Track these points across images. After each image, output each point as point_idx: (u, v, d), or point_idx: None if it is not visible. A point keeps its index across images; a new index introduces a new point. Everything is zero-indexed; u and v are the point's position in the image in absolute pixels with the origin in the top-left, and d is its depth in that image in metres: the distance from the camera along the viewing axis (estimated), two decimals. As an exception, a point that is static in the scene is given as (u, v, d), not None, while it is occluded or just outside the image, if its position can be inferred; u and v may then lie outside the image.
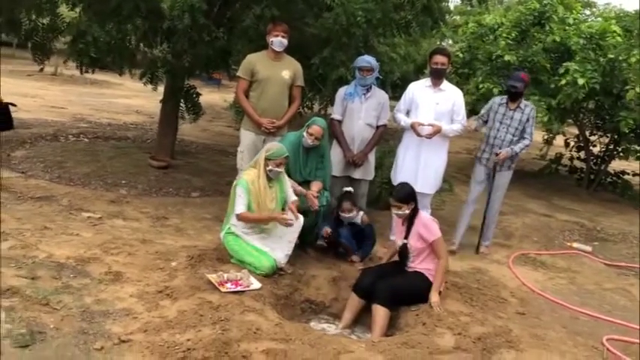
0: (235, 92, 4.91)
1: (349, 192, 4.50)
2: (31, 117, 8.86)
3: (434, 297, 3.66)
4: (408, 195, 3.84)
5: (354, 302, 3.77)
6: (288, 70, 4.72)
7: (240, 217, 3.87)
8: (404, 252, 3.86)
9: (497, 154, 4.96)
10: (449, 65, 5.05)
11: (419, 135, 4.77)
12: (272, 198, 3.96)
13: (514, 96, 4.98)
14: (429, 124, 4.75)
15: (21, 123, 8.08)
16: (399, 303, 3.67)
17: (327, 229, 4.32)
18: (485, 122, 5.18)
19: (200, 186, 6.25)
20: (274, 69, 4.67)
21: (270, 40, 4.62)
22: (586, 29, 7.43)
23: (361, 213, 4.50)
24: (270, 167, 3.91)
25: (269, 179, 3.96)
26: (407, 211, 3.82)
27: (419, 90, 4.93)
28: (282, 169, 4.00)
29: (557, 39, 7.30)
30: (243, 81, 4.70)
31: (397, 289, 3.66)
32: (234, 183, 4.00)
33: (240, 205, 3.86)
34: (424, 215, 3.93)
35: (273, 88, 4.66)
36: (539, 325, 3.73)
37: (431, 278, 3.73)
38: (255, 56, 4.74)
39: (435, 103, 4.84)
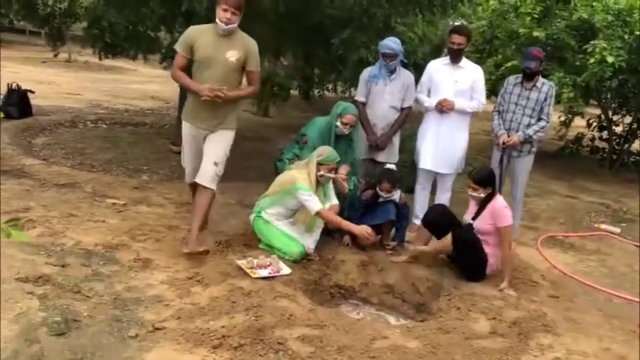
0: (171, 70, 3.94)
1: (390, 170, 4.33)
2: (48, 104, 8.84)
3: (505, 284, 3.72)
4: (484, 178, 3.89)
5: (424, 233, 4.11)
6: (236, 51, 3.70)
7: (321, 216, 3.81)
8: None
9: (504, 143, 4.59)
10: (468, 45, 4.79)
11: (441, 111, 4.70)
12: (320, 200, 3.92)
13: (530, 75, 4.62)
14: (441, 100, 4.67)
15: (39, 110, 8.07)
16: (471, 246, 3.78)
17: (392, 244, 4.26)
18: (499, 113, 4.77)
19: (221, 171, 6.20)
20: (218, 48, 3.69)
21: (218, 16, 3.62)
22: (613, 6, 7.21)
23: (399, 191, 4.32)
24: (321, 172, 3.85)
25: (317, 183, 3.89)
26: (482, 195, 3.87)
27: (437, 68, 4.83)
28: (333, 175, 3.93)
29: (585, 16, 7.08)
30: (181, 57, 3.77)
31: (475, 236, 3.83)
32: (295, 186, 3.83)
33: (316, 204, 3.78)
34: (501, 201, 3.91)
35: (213, 71, 3.70)
36: (573, 308, 3.67)
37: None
38: (199, 29, 3.76)
39: (453, 81, 4.73)
